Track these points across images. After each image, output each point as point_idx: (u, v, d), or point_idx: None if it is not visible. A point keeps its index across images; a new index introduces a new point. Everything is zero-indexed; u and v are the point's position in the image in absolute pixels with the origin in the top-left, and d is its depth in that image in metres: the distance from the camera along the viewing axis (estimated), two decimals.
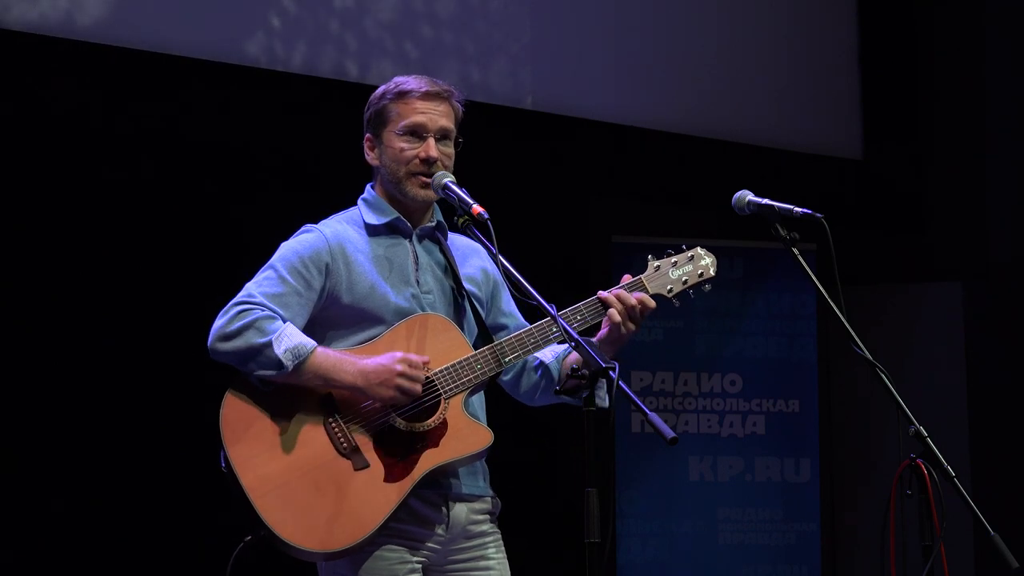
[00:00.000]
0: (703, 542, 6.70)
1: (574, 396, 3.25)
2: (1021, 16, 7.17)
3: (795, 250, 3.42)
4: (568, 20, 6.27)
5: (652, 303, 3.41)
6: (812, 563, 6.80)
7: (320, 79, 5.53)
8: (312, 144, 5.58)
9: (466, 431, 3.33)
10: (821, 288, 3.42)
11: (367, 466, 3.26)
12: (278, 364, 3.23)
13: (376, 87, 3.54)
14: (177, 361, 5.18)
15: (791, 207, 3.44)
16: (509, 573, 3.45)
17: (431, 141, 3.42)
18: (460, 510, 3.38)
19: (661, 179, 6.68)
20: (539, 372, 3.52)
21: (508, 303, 3.58)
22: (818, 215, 3.39)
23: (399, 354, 3.27)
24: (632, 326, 3.38)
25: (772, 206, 3.46)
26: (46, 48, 5.01)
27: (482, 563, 3.41)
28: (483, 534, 3.43)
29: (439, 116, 3.44)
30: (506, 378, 3.55)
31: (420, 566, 3.34)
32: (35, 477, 5.21)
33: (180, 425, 5.07)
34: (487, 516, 3.45)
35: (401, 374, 3.24)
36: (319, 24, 5.54)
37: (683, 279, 3.50)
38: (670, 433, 2.97)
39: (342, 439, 3.28)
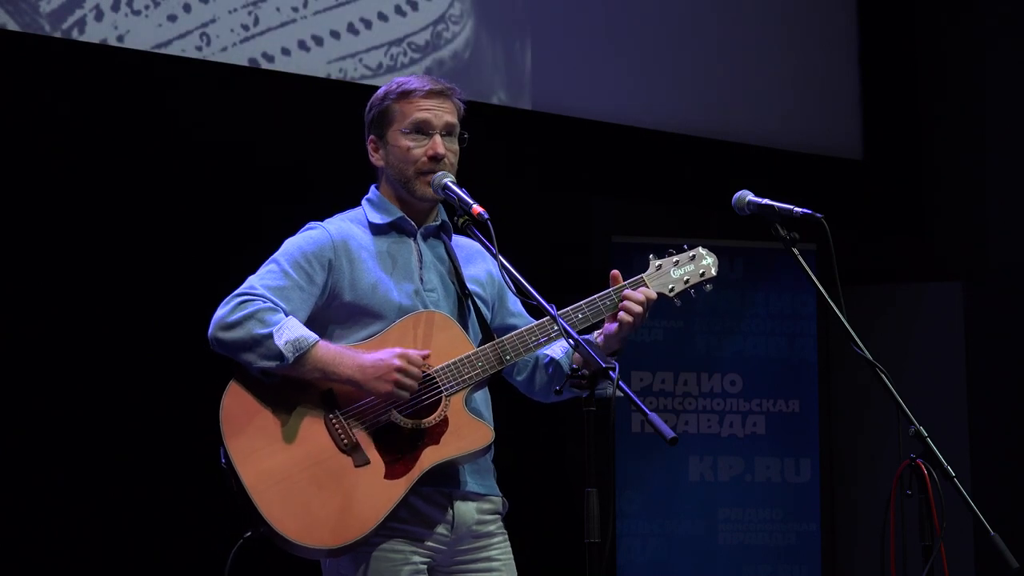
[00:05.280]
0: (703, 542, 6.70)
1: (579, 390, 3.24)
2: (1021, 16, 7.17)
3: (795, 250, 3.42)
4: (568, 20, 6.27)
5: (654, 294, 3.44)
6: (812, 563, 6.79)
7: (320, 79, 5.54)
8: (311, 144, 5.58)
9: (467, 428, 3.32)
10: (821, 288, 3.42)
11: (368, 463, 3.25)
12: (279, 355, 3.22)
13: (375, 87, 3.54)
14: (175, 360, 5.19)
15: (791, 207, 3.44)
16: (516, 574, 3.44)
17: (437, 138, 3.42)
18: (465, 509, 3.37)
19: (661, 179, 6.68)
20: (550, 369, 3.52)
21: (516, 304, 3.57)
22: (818, 215, 3.39)
23: (398, 350, 3.26)
24: (642, 312, 3.38)
25: (772, 206, 3.46)
26: (46, 48, 5.01)
27: (485, 564, 3.40)
28: (490, 534, 3.41)
29: (444, 112, 3.44)
30: (520, 378, 3.55)
31: (425, 567, 3.33)
32: (33, 474, 5.21)
33: (178, 422, 5.07)
34: (495, 516, 3.43)
35: (399, 369, 3.23)
36: (317, 24, 5.54)
37: (684, 278, 3.51)
38: (670, 433, 2.96)
39: (343, 435, 3.27)
